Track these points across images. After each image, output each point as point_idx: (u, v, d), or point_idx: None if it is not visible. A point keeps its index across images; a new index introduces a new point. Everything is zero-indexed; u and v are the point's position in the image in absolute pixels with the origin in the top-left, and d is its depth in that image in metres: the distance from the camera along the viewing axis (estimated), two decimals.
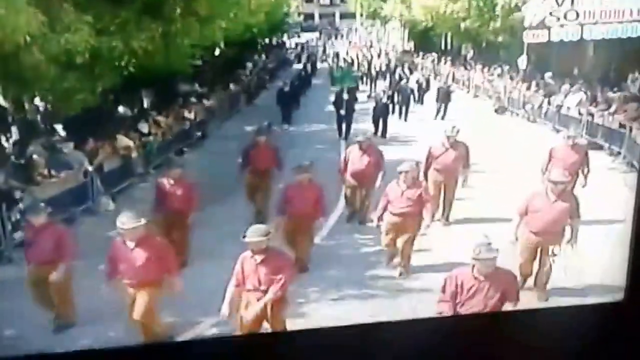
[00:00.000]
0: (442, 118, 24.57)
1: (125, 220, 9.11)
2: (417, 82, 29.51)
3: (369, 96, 26.50)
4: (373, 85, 31.25)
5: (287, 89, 25.46)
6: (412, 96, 26.71)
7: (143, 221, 9.19)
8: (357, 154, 13.88)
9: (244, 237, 8.67)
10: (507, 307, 8.32)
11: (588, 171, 13.79)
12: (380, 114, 22.60)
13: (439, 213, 13.89)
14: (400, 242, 11.70)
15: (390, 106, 24.14)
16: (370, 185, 13.84)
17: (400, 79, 29.52)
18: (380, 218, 11.85)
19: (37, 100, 16.84)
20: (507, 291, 8.37)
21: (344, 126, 22.42)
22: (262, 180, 14.13)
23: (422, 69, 38.30)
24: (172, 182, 12.24)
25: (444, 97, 25.73)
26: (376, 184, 13.56)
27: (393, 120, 23.64)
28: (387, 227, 11.82)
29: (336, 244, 13.51)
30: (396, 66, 35.77)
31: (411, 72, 34.39)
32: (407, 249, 11.74)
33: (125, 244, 9.21)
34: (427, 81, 30.42)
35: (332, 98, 23.41)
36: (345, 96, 22.54)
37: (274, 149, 14.69)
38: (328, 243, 13.47)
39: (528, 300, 9.86)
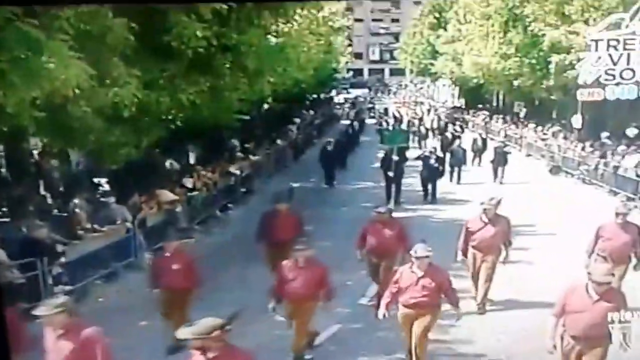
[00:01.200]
0: (501, 182, 23.98)
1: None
2: (474, 140, 28.69)
3: (417, 157, 24.42)
4: (423, 143, 30.58)
5: (330, 147, 25.01)
6: (464, 157, 25.66)
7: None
8: (376, 227, 12.42)
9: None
10: None
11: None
12: (429, 176, 21.93)
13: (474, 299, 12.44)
14: (415, 331, 10.22)
15: (441, 167, 22.81)
16: (392, 262, 12.06)
17: (453, 137, 28.38)
18: (387, 307, 10.25)
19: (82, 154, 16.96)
20: None
21: (393, 189, 21.53)
22: (284, 251, 11.83)
23: (473, 126, 38.16)
24: (168, 255, 11.32)
25: (500, 158, 24.87)
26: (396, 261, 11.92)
27: (444, 183, 22.93)
28: (402, 320, 10.29)
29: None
30: (447, 124, 35.46)
31: (463, 131, 33.83)
32: (422, 341, 10.20)
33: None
34: (484, 141, 29.33)
35: (380, 155, 22.67)
36: (395, 157, 21.78)
37: (296, 216, 13.63)
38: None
39: None
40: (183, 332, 7.40)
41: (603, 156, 24.24)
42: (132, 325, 11.44)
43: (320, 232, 15.90)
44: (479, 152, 27.50)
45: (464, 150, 25.70)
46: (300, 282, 10.32)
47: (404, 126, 33.85)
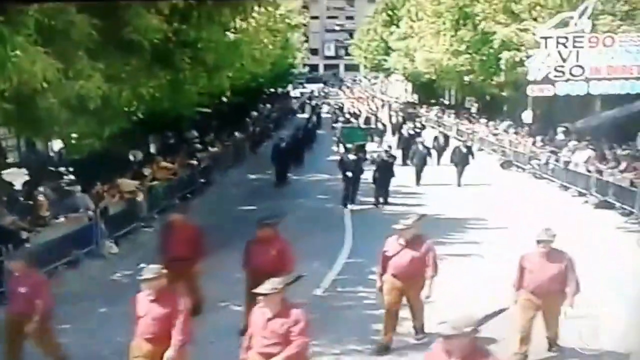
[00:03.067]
0: (458, 185, 23.30)
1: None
2: (435, 138, 28.28)
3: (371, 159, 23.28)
4: (379, 140, 30.00)
5: (283, 145, 24.45)
6: (428, 156, 24.16)
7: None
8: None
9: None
10: None
11: (577, 290, 9.36)
12: (382, 176, 20.60)
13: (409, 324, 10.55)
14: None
15: (393, 167, 21.13)
16: (417, 291, 10.20)
17: (412, 136, 27.62)
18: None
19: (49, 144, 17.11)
20: None
21: (351, 189, 20.43)
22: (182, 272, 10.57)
23: (426, 121, 38.57)
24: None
25: (463, 157, 23.79)
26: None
27: (404, 182, 22.28)
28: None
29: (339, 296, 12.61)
30: (404, 120, 35.50)
31: (424, 127, 33.64)
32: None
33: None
34: (446, 138, 29.10)
35: (335, 149, 22.86)
36: (353, 156, 21.15)
37: (194, 229, 11.77)
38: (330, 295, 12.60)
39: None
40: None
41: (554, 152, 24.70)
42: (92, 312, 11.57)
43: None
44: (441, 150, 27.07)
45: (428, 150, 24.55)
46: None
47: (362, 122, 33.84)
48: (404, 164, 25.38)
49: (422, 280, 10.06)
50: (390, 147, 23.45)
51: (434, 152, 25.61)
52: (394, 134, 32.90)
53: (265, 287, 7.47)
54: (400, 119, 35.53)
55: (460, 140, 28.53)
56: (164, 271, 8.22)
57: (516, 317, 9.32)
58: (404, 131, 29.66)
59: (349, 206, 19.93)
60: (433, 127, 35.46)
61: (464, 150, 23.95)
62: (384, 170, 20.58)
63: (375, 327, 10.69)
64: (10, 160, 17.67)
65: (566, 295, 9.34)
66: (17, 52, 10.11)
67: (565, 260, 9.41)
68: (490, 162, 27.79)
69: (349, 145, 23.42)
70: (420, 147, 24.10)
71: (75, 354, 9.65)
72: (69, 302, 11.28)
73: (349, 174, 20.41)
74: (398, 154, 24.57)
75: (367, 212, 19.47)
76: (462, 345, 5.98)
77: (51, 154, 18.51)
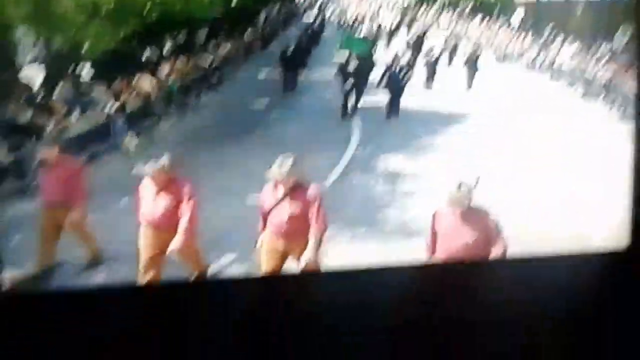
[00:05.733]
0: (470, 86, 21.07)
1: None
2: (445, 41, 25.67)
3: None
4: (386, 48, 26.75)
5: (290, 51, 22.18)
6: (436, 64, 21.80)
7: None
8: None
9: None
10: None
11: (504, 249, 6.87)
12: (393, 85, 17.81)
13: None
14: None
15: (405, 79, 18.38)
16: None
17: (419, 40, 24.68)
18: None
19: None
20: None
21: (353, 99, 17.71)
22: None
23: (424, 21, 37.61)
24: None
25: (472, 65, 21.70)
26: None
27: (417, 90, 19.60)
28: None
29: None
30: (412, 21, 33.93)
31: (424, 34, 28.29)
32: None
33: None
34: (455, 45, 25.90)
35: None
36: (353, 66, 17.95)
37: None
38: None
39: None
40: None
41: (542, 49, 24.42)
42: (114, 202, 11.30)
43: (287, 117, 16.39)
44: (451, 54, 24.43)
45: (437, 58, 22.32)
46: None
47: (364, 30, 28.91)
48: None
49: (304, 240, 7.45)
50: (396, 55, 20.00)
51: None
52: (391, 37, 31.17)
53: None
54: (407, 22, 33.98)
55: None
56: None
57: None
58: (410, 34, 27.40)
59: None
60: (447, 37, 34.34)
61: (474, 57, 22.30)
62: (395, 80, 17.92)
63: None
64: (29, 57, 17.21)
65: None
66: None
67: (487, 221, 6.97)
68: (486, 57, 27.26)
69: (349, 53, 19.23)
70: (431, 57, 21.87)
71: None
72: (92, 193, 11.03)
73: (349, 82, 17.66)
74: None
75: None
76: None
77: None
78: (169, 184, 7.80)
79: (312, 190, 7.50)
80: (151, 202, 7.86)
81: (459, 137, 15.25)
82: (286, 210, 7.43)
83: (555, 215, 9.97)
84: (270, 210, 7.55)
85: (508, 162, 11.33)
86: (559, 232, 9.83)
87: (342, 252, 9.04)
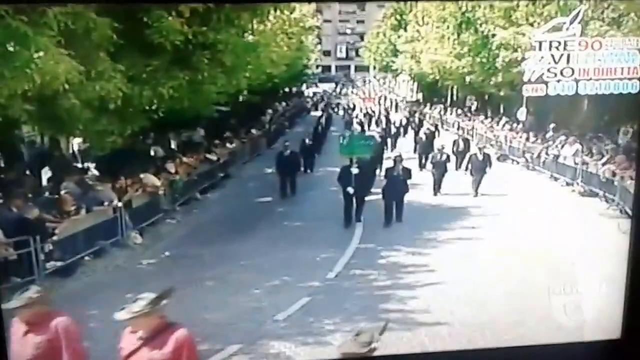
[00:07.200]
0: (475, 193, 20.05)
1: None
2: (454, 143, 24.54)
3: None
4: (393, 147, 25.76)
5: (287, 153, 20.66)
6: (446, 165, 20.53)
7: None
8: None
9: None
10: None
11: None
12: (394, 193, 16.77)
13: None
14: None
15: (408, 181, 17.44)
16: None
17: (429, 138, 23.81)
18: None
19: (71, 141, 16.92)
20: None
21: (354, 209, 16.58)
22: None
23: (429, 118, 38.08)
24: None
25: (479, 168, 20.45)
26: None
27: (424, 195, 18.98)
28: None
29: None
30: (421, 121, 33.78)
31: (437, 129, 29.12)
32: None
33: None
34: (466, 142, 25.36)
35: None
36: (355, 170, 16.94)
37: None
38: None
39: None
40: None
41: (546, 146, 24.65)
42: (118, 299, 11.31)
43: (292, 214, 16.42)
44: (460, 155, 23.35)
45: (448, 157, 21.21)
46: None
47: (369, 131, 28.74)
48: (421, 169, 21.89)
49: None
50: (400, 155, 18.61)
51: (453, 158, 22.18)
52: (404, 134, 30.76)
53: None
54: (417, 121, 34.52)
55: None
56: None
57: None
58: (422, 134, 26.92)
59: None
60: (447, 130, 34.73)
61: (481, 157, 21.47)
62: (399, 186, 16.94)
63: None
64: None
65: None
66: (41, 53, 9.80)
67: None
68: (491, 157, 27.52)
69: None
70: (440, 155, 20.76)
71: (103, 337, 9.24)
72: (97, 290, 11.11)
73: (350, 190, 16.70)
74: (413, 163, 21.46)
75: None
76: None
77: (74, 149, 18.33)
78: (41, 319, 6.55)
79: (180, 333, 6.33)
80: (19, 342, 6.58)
81: (460, 232, 15.37)
82: (146, 357, 6.27)
83: (551, 306, 10.14)
84: (128, 358, 6.38)
85: (506, 253, 11.58)
86: (554, 322, 10.02)
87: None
